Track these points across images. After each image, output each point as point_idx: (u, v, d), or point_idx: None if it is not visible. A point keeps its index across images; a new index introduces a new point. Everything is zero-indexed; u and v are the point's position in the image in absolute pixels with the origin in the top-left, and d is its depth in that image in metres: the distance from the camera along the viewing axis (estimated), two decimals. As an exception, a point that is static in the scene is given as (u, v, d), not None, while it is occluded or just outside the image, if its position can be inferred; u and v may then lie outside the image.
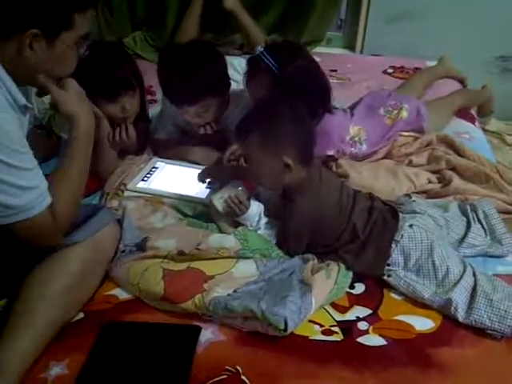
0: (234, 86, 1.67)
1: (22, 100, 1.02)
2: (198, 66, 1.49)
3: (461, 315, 1.12)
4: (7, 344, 1.01)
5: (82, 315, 1.14)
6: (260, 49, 1.48)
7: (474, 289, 1.16)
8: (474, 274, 1.18)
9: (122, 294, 1.20)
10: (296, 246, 1.27)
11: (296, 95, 1.31)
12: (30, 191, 0.99)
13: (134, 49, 2.57)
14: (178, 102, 1.57)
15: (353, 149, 1.66)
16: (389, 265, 1.22)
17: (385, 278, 1.21)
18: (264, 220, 1.32)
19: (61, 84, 1.12)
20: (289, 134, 1.21)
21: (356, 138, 1.66)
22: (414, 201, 1.36)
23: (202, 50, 1.57)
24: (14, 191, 0.96)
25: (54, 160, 1.67)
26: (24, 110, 1.05)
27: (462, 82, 2.29)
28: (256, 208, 1.31)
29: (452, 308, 1.13)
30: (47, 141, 1.71)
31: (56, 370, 1.01)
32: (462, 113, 2.00)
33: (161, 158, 1.70)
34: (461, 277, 1.17)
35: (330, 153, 1.59)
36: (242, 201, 1.29)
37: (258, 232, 1.31)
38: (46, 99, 1.74)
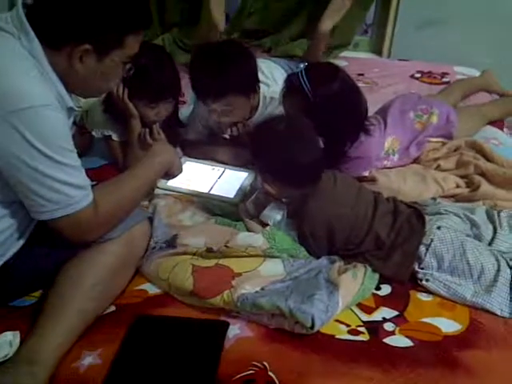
0: (264, 88, 1.70)
1: (70, 102, 1.07)
2: (226, 63, 1.52)
3: (507, 312, 1.14)
4: (42, 334, 1.04)
5: (113, 308, 1.17)
6: (301, 67, 1.47)
7: None
8: (509, 265, 1.19)
9: (151, 289, 1.23)
10: (317, 247, 1.29)
11: (326, 120, 1.34)
12: (73, 187, 1.02)
13: (163, 51, 2.62)
14: (203, 96, 1.61)
15: (386, 162, 1.66)
16: (422, 268, 1.22)
17: (423, 282, 1.21)
18: (286, 220, 1.33)
19: None
20: (272, 162, 1.26)
21: (390, 151, 1.66)
22: (438, 202, 1.36)
23: (233, 48, 1.60)
24: (60, 187, 1.00)
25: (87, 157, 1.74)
26: (69, 113, 1.09)
27: (502, 96, 2.21)
28: (276, 207, 1.34)
29: (497, 309, 1.14)
30: (80, 138, 1.75)
31: (89, 359, 1.04)
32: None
33: (190, 157, 1.73)
34: (496, 272, 1.18)
35: (366, 173, 1.59)
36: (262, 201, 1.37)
37: (280, 230, 1.32)
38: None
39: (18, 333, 1.07)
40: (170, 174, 1.33)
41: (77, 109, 1.13)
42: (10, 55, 0.98)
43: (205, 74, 1.54)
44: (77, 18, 0.99)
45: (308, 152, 1.26)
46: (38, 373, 0.99)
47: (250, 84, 1.61)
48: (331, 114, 1.40)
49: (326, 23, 2.24)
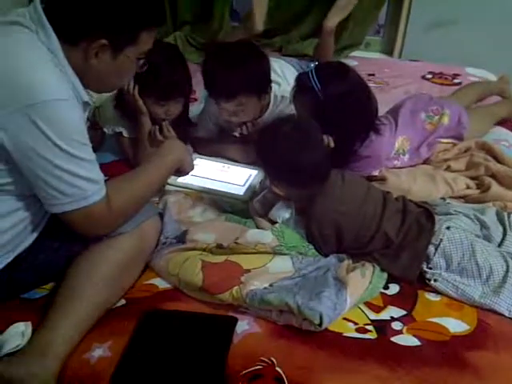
0: (275, 87, 1.70)
1: (85, 97, 1.08)
2: (239, 62, 1.53)
3: None
4: (53, 326, 1.06)
5: (123, 302, 1.18)
6: (312, 66, 1.48)
7: None
8: None
9: (161, 284, 1.24)
10: (325, 246, 1.29)
11: (336, 119, 1.35)
12: (87, 181, 1.03)
13: (175, 48, 2.63)
14: (216, 96, 1.62)
15: (396, 161, 1.66)
16: (431, 268, 1.22)
17: (432, 282, 1.21)
18: (294, 218, 1.34)
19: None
20: (278, 164, 1.27)
21: (400, 151, 1.66)
22: (448, 203, 1.36)
23: (247, 49, 1.60)
24: (73, 179, 1.01)
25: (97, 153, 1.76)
26: (85, 107, 1.10)
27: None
28: (285, 205, 1.35)
29: (505, 311, 1.14)
30: (93, 134, 1.76)
31: (99, 351, 1.05)
32: (500, 121, 1.98)
33: (200, 154, 1.74)
34: (505, 273, 1.18)
35: (376, 173, 1.59)
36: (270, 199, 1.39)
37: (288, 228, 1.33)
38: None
39: (29, 323, 1.08)
40: (181, 171, 1.34)
41: (92, 103, 1.14)
42: (27, 49, 0.99)
43: (218, 73, 1.55)
44: (94, 14, 1.00)
45: (314, 153, 1.26)
46: (49, 364, 1.00)
47: (262, 85, 1.62)
48: (341, 113, 1.41)
49: (332, 20, 2.24)
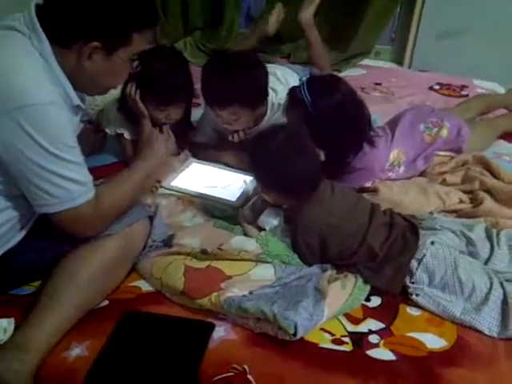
0: (272, 95, 1.71)
1: (76, 101, 1.10)
2: (236, 73, 1.54)
3: (496, 332, 1.13)
4: (36, 323, 1.08)
5: (106, 302, 1.20)
6: (304, 79, 1.49)
7: (505, 301, 1.15)
8: (502, 285, 1.18)
9: (144, 286, 1.26)
10: (309, 255, 1.29)
11: (326, 132, 1.36)
12: (74, 183, 1.05)
13: (184, 53, 2.66)
14: (211, 103, 1.64)
15: (391, 173, 1.65)
16: (413, 283, 1.22)
17: (413, 297, 1.20)
18: (282, 226, 1.34)
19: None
20: (269, 172, 1.29)
21: (395, 163, 1.65)
22: (435, 218, 1.35)
23: (247, 60, 1.62)
24: (60, 181, 1.03)
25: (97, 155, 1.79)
26: (76, 111, 1.12)
27: None
28: (273, 213, 1.35)
29: (485, 329, 1.13)
30: (95, 136, 1.80)
31: (76, 350, 1.08)
32: (504, 134, 1.96)
33: (198, 159, 1.76)
34: (489, 290, 1.17)
35: (369, 184, 1.59)
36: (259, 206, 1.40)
37: (275, 237, 1.33)
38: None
39: (12, 320, 1.11)
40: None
41: (83, 106, 1.16)
42: (19, 53, 1.02)
43: (215, 81, 1.57)
44: (86, 17, 1.02)
45: (306, 163, 1.27)
46: (29, 360, 1.02)
47: (257, 97, 1.64)
48: (332, 126, 1.41)
49: (304, 13, 2.19)
